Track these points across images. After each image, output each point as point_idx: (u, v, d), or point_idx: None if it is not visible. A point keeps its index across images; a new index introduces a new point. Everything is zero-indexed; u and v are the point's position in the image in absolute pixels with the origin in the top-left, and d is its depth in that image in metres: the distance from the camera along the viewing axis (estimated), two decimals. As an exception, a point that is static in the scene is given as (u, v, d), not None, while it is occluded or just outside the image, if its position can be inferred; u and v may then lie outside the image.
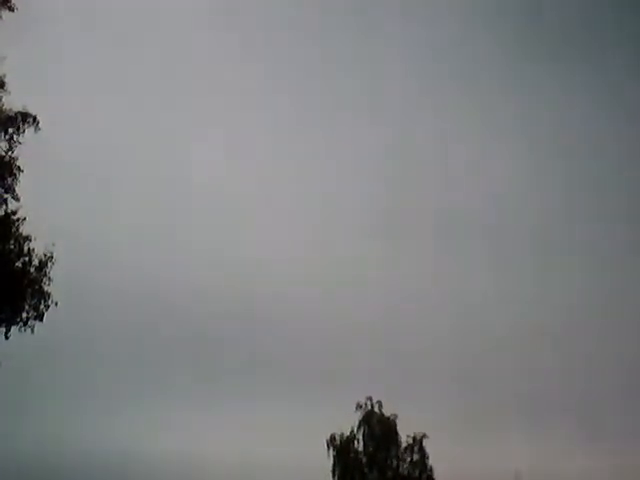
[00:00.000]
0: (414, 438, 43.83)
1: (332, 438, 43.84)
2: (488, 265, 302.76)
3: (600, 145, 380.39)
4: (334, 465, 43.58)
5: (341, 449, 43.73)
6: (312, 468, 46.33)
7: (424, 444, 43.82)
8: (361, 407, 44.44)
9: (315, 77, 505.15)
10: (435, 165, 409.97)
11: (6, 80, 26.29)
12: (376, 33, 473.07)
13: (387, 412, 44.42)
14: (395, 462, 43.72)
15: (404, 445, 43.86)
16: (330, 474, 43.53)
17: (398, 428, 44.19)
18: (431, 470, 43.97)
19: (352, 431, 44.03)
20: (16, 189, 26.01)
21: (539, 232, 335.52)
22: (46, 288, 26.31)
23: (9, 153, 26.06)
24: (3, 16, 26.29)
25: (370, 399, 44.65)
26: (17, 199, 25.98)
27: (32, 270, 26.11)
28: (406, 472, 43.50)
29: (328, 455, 43.78)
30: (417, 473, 43.54)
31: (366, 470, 43.74)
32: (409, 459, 43.69)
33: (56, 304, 26.50)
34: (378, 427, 43.93)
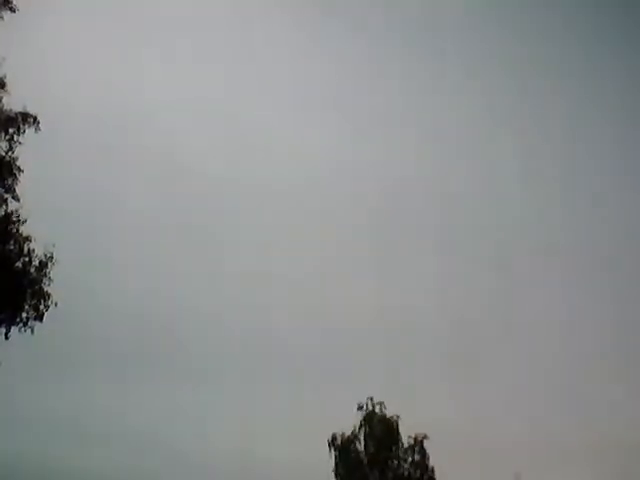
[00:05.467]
0: (415, 439, 43.85)
1: (334, 438, 43.90)
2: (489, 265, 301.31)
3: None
4: (336, 465, 43.61)
5: (343, 449, 43.76)
6: (313, 468, 46.23)
7: (425, 445, 43.86)
8: (362, 408, 44.45)
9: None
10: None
11: (6, 80, 26.19)
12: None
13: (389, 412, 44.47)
14: (396, 463, 43.76)
15: (405, 446, 43.88)
16: (332, 474, 43.56)
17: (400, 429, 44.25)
18: (432, 471, 43.97)
19: (354, 431, 44.07)
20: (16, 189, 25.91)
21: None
22: (46, 288, 26.21)
23: (9, 153, 25.97)
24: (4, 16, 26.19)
25: (371, 399, 44.63)
26: (17, 199, 25.89)
27: (32, 270, 26.02)
28: (407, 473, 43.56)
29: (330, 455, 43.85)
30: (418, 474, 43.58)
31: (367, 471, 43.74)
32: (410, 460, 43.73)
33: (56, 304, 26.40)
34: (379, 427, 43.95)
